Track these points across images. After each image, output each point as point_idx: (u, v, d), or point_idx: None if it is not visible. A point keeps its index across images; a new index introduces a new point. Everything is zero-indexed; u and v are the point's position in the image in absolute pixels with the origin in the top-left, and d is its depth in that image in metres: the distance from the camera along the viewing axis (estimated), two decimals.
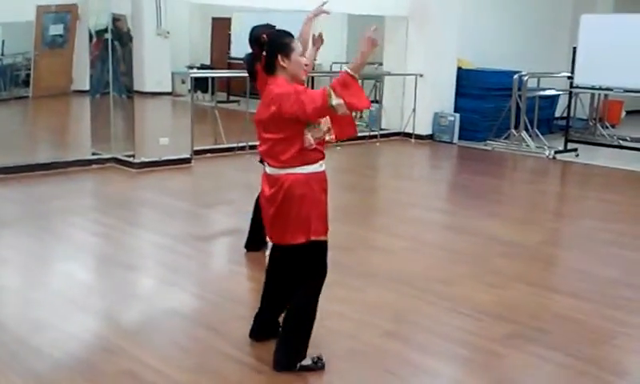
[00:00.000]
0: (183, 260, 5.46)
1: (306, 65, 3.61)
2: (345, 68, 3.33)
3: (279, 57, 3.44)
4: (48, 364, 3.64)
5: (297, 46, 3.48)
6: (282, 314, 3.78)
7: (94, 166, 8.57)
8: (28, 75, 15.32)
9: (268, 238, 3.76)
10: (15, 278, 5.06)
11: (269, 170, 3.53)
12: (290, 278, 3.71)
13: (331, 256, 5.26)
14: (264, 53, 3.49)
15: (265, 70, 3.52)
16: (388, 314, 4.45)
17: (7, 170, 7.84)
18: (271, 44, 3.48)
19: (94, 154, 8.81)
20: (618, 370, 3.90)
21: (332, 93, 3.23)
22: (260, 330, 3.89)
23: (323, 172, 3.55)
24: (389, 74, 12.08)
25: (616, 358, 4.05)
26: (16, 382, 3.43)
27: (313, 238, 3.50)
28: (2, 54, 15.17)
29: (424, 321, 4.38)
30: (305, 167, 3.46)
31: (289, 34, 3.53)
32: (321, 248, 3.59)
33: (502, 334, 4.21)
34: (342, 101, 3.22)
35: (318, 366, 3.61)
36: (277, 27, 4.76)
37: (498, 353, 3.98)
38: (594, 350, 4.07)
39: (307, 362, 3.59)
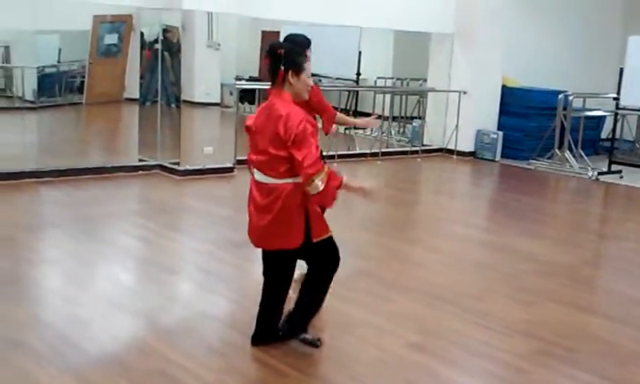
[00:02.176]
0: (221, 265, 5.61)
1: (310, 86, 3.80)
2: (345, 180, 3.66)
3: (290, 73, 3.63)
4: (85, 360, 3.81)
5: (308, 67, 3.73)
6: (281, 320, 4.00)
7: (140, 172, 8.83)
8: (82, 82, 15.79)
9: (258, 247, 3.94)
10: (60, 277, 5.27)
11: (260, 177, 3.70)
12: (281, 284, 3.95)
13: (364, 266, 5.43)
14: (280, 65, 3.64)
15: (273, 81, 3.69)
16: (416, 325, 4.51)
17: (58, 172, 8.14)
18: (286, 59, 3.64)
19: (140, 160, 9.07)
20: None
21: (323, 175, 3.53)
22: (260, 338, 4.00)
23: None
24: (433, 90, 12.13)
25: None
26: (54, 375, 3.60)
27: (315, 240, 3.72)
28: (59, 61, 15.67)
29: (451, 334, 4.43)
30: (291, 178, 3.64)
31: (305, 55, 3.76)
32: (328, 244, 3.82)
33: (529, 350, 4.24)
34: (320, 189, 3.53)
35: (315, 343, 3.96)
36: (310, 41, 4.94)
37: (524, 369, 4.01)
38: (622, 371, 4.06)
39: (309, 336, 3.96)
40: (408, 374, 3.85)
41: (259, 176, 3.71)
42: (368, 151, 11.15)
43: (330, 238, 3.82)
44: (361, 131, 12.74)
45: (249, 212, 3.86)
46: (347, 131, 12.05)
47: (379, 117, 5.42)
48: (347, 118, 5.72)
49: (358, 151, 11.19)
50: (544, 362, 4.08)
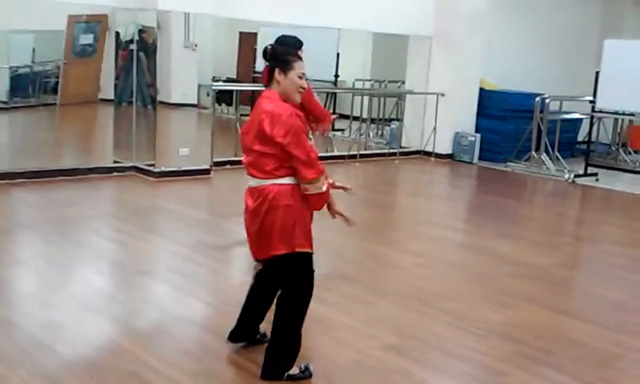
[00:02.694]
0: (197, 268, 5.54)
1: (303, 88, 3.57)
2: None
3: (276, 70, 3.49)
4: (58, 363, 3.73)
5: (298, 66, 3.51)
6: (261, 323, 3.92)
7: (115, 173, 8.72)
8: (57, 83, 15.62)
9: (251, 255, 3.76)
10: (32, 280, 5.17)
11: (253, 182, 3.52)
12: (272, 291, 3.75)
13: (342, 268, 5.39)
14: (266, 64, 3.55)
15: (265, 80, 3.57)
16: (394, 328, 4.48)
17: (31, 174, 8.02)
18: (272, 56, 3.53)
19: (115, 161, 8.97)
20: None
21: (324, 179, 3.45)
22: (237, 336, 3.94)
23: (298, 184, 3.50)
24: (410, 92, 12.14)
25: (619, 381, 4.04)
26: (25, 378, 3.53)
27: (297, 249, 3.47)
28: (33, 62, 15.49)
29: (428, 337, 4.40)
30: (289, 178, 3.46)
31: (295, 54, 3.57)
32: (305, 259, 3.57)
33: (507, 353, 4.23)
34: (323, 190, 3.45)
35: (305, 375, 3.62)
36: (302, 42, 4.91)
37: (501, 371, 4.00)
38: (598, 372, 4.06)
39: (294, 371, 3.60)
40: (385, 376, 3.81)
41: (251, 180, 3.54)
42: (346, 153, 11.12)
43: (310, 256, 3.59)
44: (339, 133, 12.71)
45: (244, 221, 3.65)
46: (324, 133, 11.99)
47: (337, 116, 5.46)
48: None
49: (336, 153, 11.16)
50: (521, 364, 4.07)
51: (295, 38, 4.91)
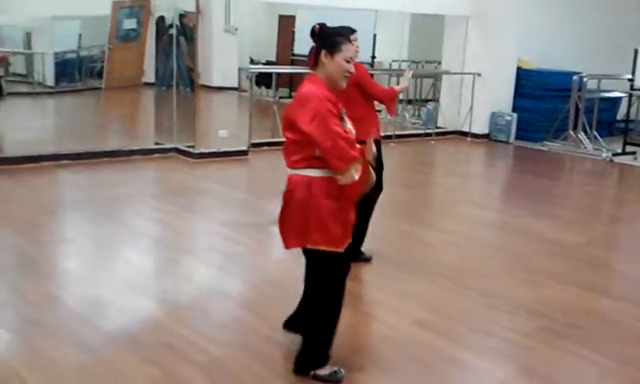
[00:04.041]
0: (235, 246, 5.72)
1: (350, 73, 3.32)
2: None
3: (323, 52, 3.26)
4: (99, 337, 3.93)
5: (346, 49, 3.27)
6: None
7: (156, 155, 8.97)
8: (102, 67, 15.97)
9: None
10: (76, 258, 5.41)
11: (288, 169, 3.38)
12: (319, 286, 3.53)
13: (374, 246, 5.51)
14: (315, 43, 3.32)
15: (310, 62, 3.35)
16: (423, 304, 4.60)
17: (76, 156, 8.30)
18: (320, 37, 3.30)
19: (156, 143, 9.22)
20: None
21: (358, 165, 3.21)
22: (290, 324, 3.85)
23: (329, 178, 3.26)
24: (447, 72, 12.15)
25: None
26: (68, 351, 3.74)
27: (309, 245, 3.32)
28: (79, 47, 15.86)
29: (456, 312, 4.51)
30: (307, 170, 3.27)
31: (345, 36, 3.31)
32: (325, 258, 3.35)
33: (534, 328, 4.30)
34: (357, 177, 3.21)
35: (331, 378, 3.47)
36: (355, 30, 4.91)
37: (528, 346, 4.08)
38: (625, 349, 4.11)
39: (323, 372, 3.47)
40: (413, 350, 3.93)
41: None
42: (382, 133, 11.16)
43: (332, 256, 3.34)
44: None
45: None
46: None
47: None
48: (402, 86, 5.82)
49: None
50: (548, 340, 4.15)
51: (347, 27, 4.86)
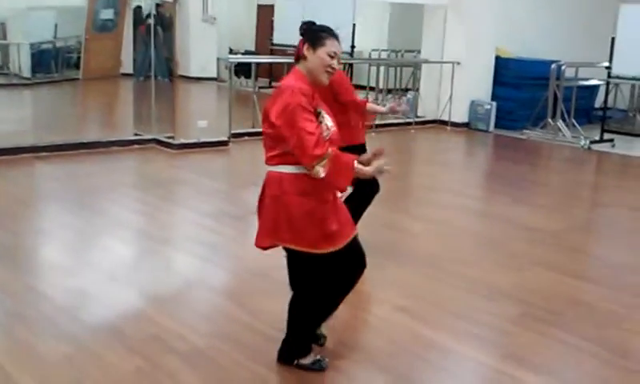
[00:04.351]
0: (216, 236, 5.72)
1: (333, 68, 3.25)
2: (356, 162, 3.18)
3: (305, 45, 3.22)
4: (82, 329, 3.90)
5: (330, 43, 3.21)
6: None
7: (136, 146, 8.92)
8: (79, 58, 15.83)
9: None
10: (55, 249, 5.38)
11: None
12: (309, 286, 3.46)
13: None
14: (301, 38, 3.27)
15: (295, 55, 3.32)
16: (404, 291, 4.63)
17: (55, 147, 8.23)
18: (304, 32, 3.28)
19: (135, 134, 9.16)
20: (625, 351, 3.98)
21: (325, 162, 3.06)
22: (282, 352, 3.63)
23: (303, 175, 3.15)
24: (426, 61, 12.18)
25: (623, 341, 4.13)
26: (50, 343, 3.71)
27: (279, 243, 3.27)
28: (55, 37, 15.70)
29: (438, 299, 4.55)
30: (280, 166, 3.19)
31: (329, 31, 3.26)
32: (301, 258, 3.30)
33: (515, 314, 4.35)
34: (322, 175, 3.07)
35: (315, 367, 3.48)
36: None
37: (508, 331, 4.13)
38: (604, 332, 4.17)
39: (306, 360, 3.48)
40: (395, 337, 3.96)
41: None
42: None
43: (313, 257, 3.24)
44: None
45: None
46: None
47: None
48: (376, 106, 5.43)
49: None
50: (529, 325, 4.20)
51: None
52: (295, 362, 3.49)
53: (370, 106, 5.15)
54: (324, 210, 3.23)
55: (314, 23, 3.32)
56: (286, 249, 3.36)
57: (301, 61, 3.27)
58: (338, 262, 3.30)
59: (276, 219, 3.22)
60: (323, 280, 3.36)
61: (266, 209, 3.27)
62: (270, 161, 3.24)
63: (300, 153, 3.07)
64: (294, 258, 3.41)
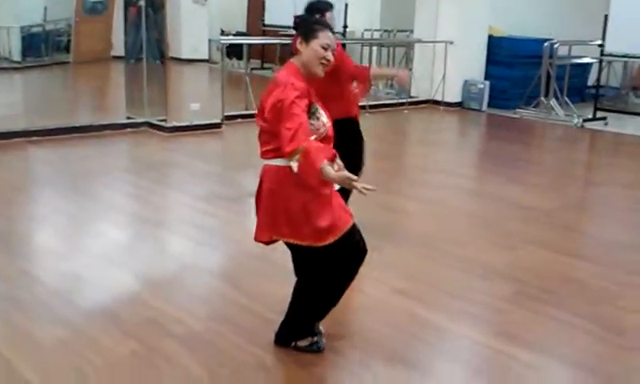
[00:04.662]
0: (211, 219, 5.72)
1: (327, 60, 3.25)
2: (326, 166, 2.94)
3: (299, 39, 3.25)
4: (77, 313, 3.91)
5: (323, 35, 3.22)
6: None
7: (128, 129, 8.88)
8: (69, 41, 15.72)
9: None
10: (49, 234, 5.37)
11: None
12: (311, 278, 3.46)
13: None
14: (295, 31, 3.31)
15: (292, 49, 3.33)
16: (399, 272, 4.65)
17: (45, 132, 8.19)
18: (297, 25, 3.33)
19: (128, 117, 9.12)
20: (619, 328, 4.01)
21: (299, 156, 2.97)
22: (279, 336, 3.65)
23: None
24: (419, 41, 12.14)
25: (617, 318, 4.16)
26: (46, 328, 3.72)
27: (275, 237, 3.29)
28: (45, 20, 15.58)
29: (433, 279, 4.57)
30: (276, 160, 3.18)
31: (321, 23, 3.34)
32: (303, 250, 3.30)
33: (509, 292, 4.38)
34: (295, 170, 3.01)
35: (312, 348, 3.50)
36: (332, 5, 4.83)
37: (503, 310, 4.16)
38: (597, 309, 4.20)
39: (303, 343, 3.50)
40: (391, 317, 3.98)
41: None
42: None
43: (314, 250, 3.24)
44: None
45: None
46: None
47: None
48: (382, 70, 5.32)
49: None
50: (523, 303, 4.23)
51: (325, 2, 4.73)
52: (293, 344, 3.51)
53: (375, 69, 5.09)
54: (320, 203, 3.22)
55: (302, 15, 3.35)
56: (286, 242, 3.35)
57: (295, 55, 3.28)
58: (338, 251, 3.27)
59: (274, 213, 3.23)
60: (326, 270, 3.35)
61: (263, 203, 3.27)
62: (265, 155, 3.25)
63: (285, 143, 3.03)
64: (295, 251, 3.40)
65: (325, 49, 3.22)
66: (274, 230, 3.26)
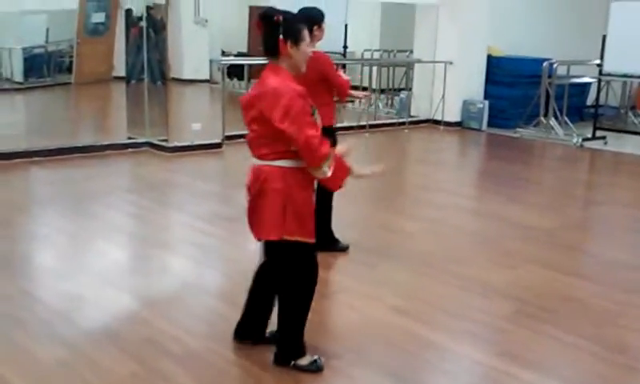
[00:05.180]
0: (210, 239, 5.72)
1: (308, 56, 3.36)
2: (353, 168, 3.39)
3: (289, 43, 3.22)
4: (77, 332, 3.92)
5: (306, 35, 3.28)
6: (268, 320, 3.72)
7: (130, 149, 8.91)
8: (71, 62, 15.80)
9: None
10: (50, 253, 5.38)
11: (253, 160, 3.36)
12: (273, 283, 3.57)
13: (349, 234, 5.53)
14: (277, 35, 3.22)
15: (268, 52, 3.29)
16: (398, 290, 4.65)
17: (47, 152, 8.22)
18: (285, 27, 3.22)
19: (129, 138, 9.15)
20: (621, 347, 4.00)
21: (330, 161, 3.23)
22: (242, 332, 3.76)
23: (303, 168, 3.29)
24: (419, 61, 12.20)
25: (619, 337, 4.14)
26: (46, 346, 3.73)
27: (286, 237, 3.30)
28: (47, 42, 15.67)
29: (432, 298, 4.56)
30: (281, 161, 3.26)
31: (302, 20, 3.36)
32: (299, 249, 3.37)
33: (509, 311, 4.37)
34: (328, 175, 3.25)
35: (312, 367, 3.49)
36: (324, 14, 4.85)
37: (503, 329, 4.15)
38: (597, 329, 4.19)
39: (303, 362, 3.50)
40: (389, 336, 3.97)
41: (253, 158, 3.37)
42: (355, 124, 11.23)
43: (303, 246, 3.36)
44: (349, 104, 12.78)
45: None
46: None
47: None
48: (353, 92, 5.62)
49: (345, 124, 11.26)
50: (522, 322, 4.22)
51: (318, 9, 4.88)
52: (292, 363, 3.50)
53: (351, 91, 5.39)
54: (313, 202, 3.43)
55: (285, 15, 3.27)
56: (275, 246, 3.38)
57: (282, 57, 3.27)
58: (314, 250, 3.46)
59: (283, 212, 3.27)
60: (311, 269, 3.47)
61: (269, 202, 3.28)
62: (266, 157, 3.27)
63: (308, 155, 3.19)
64: (287, 252, 3.39)
65: (308, 46, 3.32)
66: (282, 229, 3.30)
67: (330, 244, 5.18)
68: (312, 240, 3.39)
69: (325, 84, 4.97)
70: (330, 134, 4.92)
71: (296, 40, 3.25)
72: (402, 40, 13.49)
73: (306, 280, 3.47)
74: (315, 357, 3.54)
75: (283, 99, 3.16)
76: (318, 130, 3.23)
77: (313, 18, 4.65)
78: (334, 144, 5.00)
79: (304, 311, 3.49)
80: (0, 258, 5.05)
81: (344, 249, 5.32)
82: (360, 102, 12.30)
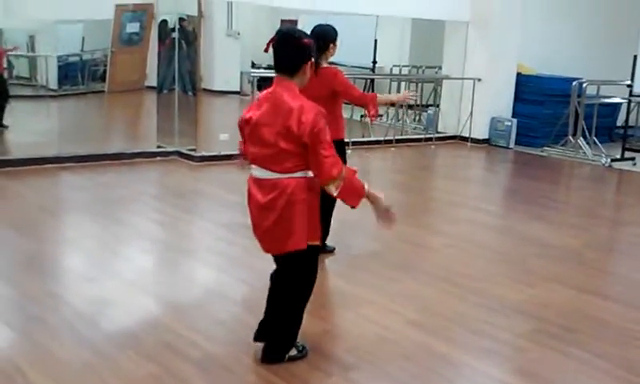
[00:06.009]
0: (234, 248, 5.79)
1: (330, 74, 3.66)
2: (367, 187, 3.45)
3: (310, 63, 3.45)
4: (100, 335, 4.00)
5: (332, 52, 3.67)
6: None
7: (158, 158, 9.05)
8: (105, 71, 16.05)
9: (269, 252, 3.67)
10: (78, 257, 5.49)
11: (263, 174, 3.43)
12: (282, 284, 3.70)
13: (372, 248, 5.58)
14: (305, 56, 3.42)
15: (288, 71, 3.42)
16: (418, 305, 4.66)
17: (79, 158, 8.39)
18: (313, 50, 3.48)
19: (158, 146, 9.30)
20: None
21: (338, 183, 3.33)
22: (263, 335, 3.81)
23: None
24: (447, 77, 12.22)
25: (638, 359, 4.11)
26: (69, 348, 3.81)
27: (310, 242, 3.47)
28: (82, 50, 15.94)
29: (452, 314, 4.57)
30: (305, 172, 3.41)
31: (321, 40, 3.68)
32: (315, 252, 3.59)
33: (528, 329, 4.35)
34: (335, 193, 3.36)
35: (302, 354, 3.72)
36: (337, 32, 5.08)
37: (521, 347, 4.14)
38: (621, 350, 4.15)
39: (293, 352, 3.70)
40: (406, 350, 3.99)
41: (259, 172, 3.44)
42: (382, 138, 11.27)
43: (317, 249, 3.59)
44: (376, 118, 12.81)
45: (249, 211, 3.61)
46: (362, 118, 12.15)
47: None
48: (387, 96, 5.81)
49: (372, 138, 11.32)
50: (542, 341, 4.20)
51: (331, 27, 5.10)
52: (286, 357, 3.68)
53: (381, 96, 5.50)
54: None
55: (313, 41, 3.49)
56: (300, 252, 3.48)
57: (297, 76, 3.44)
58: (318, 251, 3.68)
59: (302, 222, 3.42)
60: (316, 270, 3.66)
61: (298, 212, 3.41)
62: (291, 170, 3.39)
63: (317, 172, 3.36)
64: (301, 259, 3.52)
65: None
66: (310, 236, 3.48)
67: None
68: (319, 242, 3.62)
69: (334, 98, 5.08)
70: (340, 147, 5.01)
71: (314, 62, 3.51)
72: (431, 56, 13.53)
73: (312, 279, 3.65)
74: (299, 343, 3.73)
75: (308, 114, 3.30)
76: (333, 150, 3.35)
77: (330, 37, 5.02)
78: (343, 156, 5.13)
79: (304, 308, 3.69)
80: (28, 260, 5.17)
81: (331, 250, 5.51)
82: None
